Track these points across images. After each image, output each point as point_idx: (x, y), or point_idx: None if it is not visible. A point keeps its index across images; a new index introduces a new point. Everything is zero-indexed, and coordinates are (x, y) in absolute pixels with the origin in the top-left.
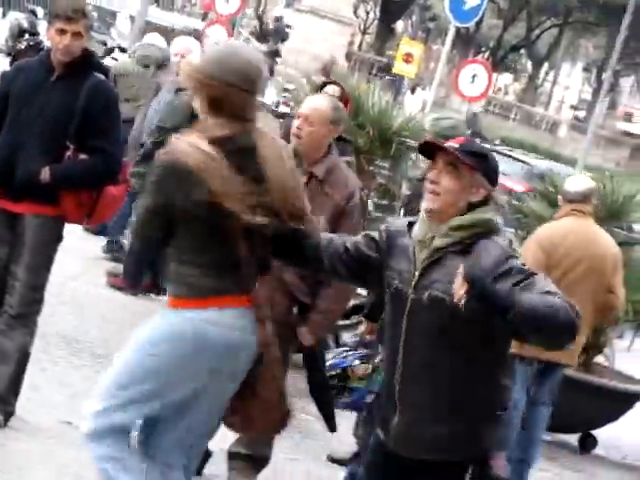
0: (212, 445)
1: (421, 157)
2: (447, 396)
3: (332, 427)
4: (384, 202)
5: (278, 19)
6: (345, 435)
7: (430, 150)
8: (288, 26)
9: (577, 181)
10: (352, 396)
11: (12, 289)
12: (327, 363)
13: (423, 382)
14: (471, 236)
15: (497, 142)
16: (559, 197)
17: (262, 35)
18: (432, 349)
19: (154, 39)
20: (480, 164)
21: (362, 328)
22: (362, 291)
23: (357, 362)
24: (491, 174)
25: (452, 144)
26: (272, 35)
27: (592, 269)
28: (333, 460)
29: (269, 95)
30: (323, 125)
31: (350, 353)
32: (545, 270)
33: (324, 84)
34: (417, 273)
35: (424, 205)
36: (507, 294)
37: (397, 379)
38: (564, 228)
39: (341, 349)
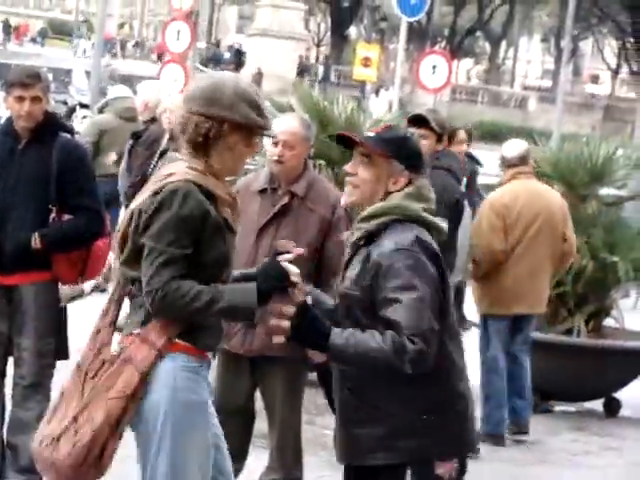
0: None
1: None
2: (365, 396)
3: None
4: None
5: (231, 47)
6: None
7: (347, 143)
8: (241, 52)
9: (512, 146)
10: None
11: (20, 361)
12: None
13: (345, 381)
14: (380, 225)
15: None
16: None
17: (217, 64)
18: None
19: (123, 91)
20: (397, 151)
21: None
22: None
23: None
24: (411, 160)
25: (368, 134)
26: (228, 63)
27: (546, 223)
28: None
29: None
30: (302, 145)
31: None
32: (503, 233)
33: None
34: (343, 270)
35: (343, 199)
36: (322, 336)
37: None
38: (514, 191)
39: None
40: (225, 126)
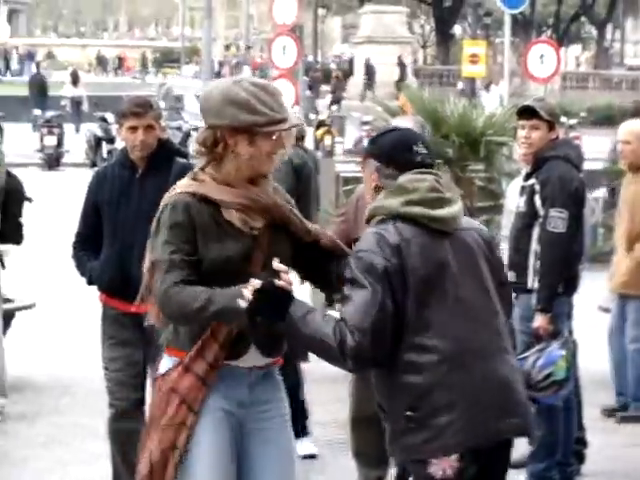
0: None
1: (516, 150)
2: (378, 397)
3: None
4: (489, 204)
5: (337, 57)
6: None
7: None
8: (350, 62)
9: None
10: (566, 388)
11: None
12: (537, 364)
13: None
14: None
15: (583, 114)
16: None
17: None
18: None
19: None
20: (370, 149)
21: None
22: None
23: (563, 352)
24: (383, 156)
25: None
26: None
27: None
28: (511, 466)
29: (349, 135)
30: None
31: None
32: None
33: None
34: None
35: None
36: (283, 305)
37: None
38: None
39: (534, 349)
40: (219, 132)
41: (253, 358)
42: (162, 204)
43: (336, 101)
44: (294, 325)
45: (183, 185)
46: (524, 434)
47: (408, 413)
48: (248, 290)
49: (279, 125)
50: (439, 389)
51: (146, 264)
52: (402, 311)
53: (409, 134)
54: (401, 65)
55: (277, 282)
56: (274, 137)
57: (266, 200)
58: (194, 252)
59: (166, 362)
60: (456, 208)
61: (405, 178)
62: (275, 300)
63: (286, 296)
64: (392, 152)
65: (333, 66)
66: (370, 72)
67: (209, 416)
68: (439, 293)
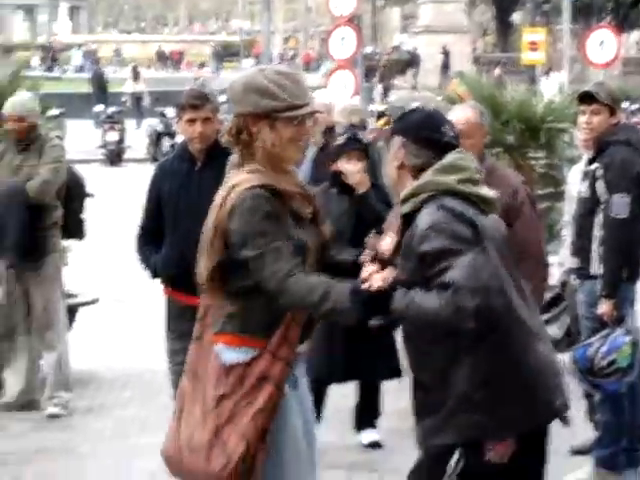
0: None
1: (577, 135)
2: (422, 373)
3: (565, 421)
4: (550, 190)
5: (397, 48)
6: (581, 425)
7: None
8: (409, 52)
9: None
10: (630, 374)
11: None
12: (601, 350)
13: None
14: (415, 205)
15: None
16: None
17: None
18: None
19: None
20: (396, 127)
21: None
22: (554, 282)
23: (627, 338)
24: (410, 134)
25: None
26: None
27: None
28: (576, 452)
29: None
30: (478, 134)
31: (612, 334)
32: None
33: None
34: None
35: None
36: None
37: None
38: None
39: (598, 335)
40: (242, 120)
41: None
42: (232, 206)
43: (386, 89)
44: (401, 315)
45: (248, 179)
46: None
47: (478, 391)
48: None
49: (299, 110)
50: (510, 367)
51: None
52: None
53: (437, 114)
54: (445, 54)
55: (378, 284)
56: (295, 123)
57: (309, 189)
58: (287, 240)
59: (233, 353)
60: (493, 191)
61: (454, 157)
62: (381, 302)
63: (388, 294)
64: (420, 130)
65: (394, 56)
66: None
67: (291, 399)
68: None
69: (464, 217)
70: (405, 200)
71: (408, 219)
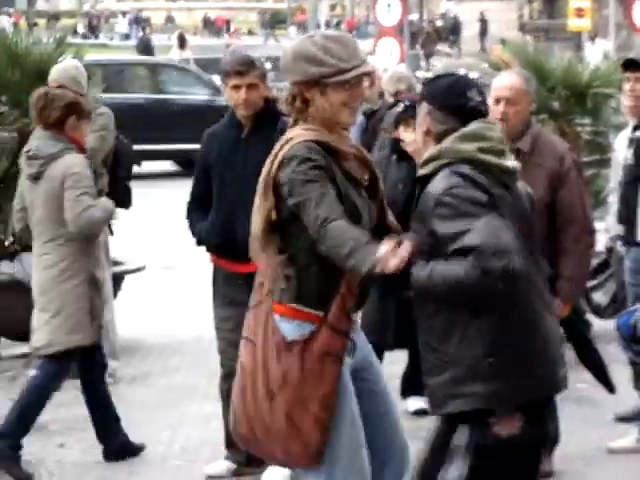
0: None
1: (622, 102)
2: (429, 345)
3: (611, 388)
4: (596, 157)
5: (443, 15)
6: (626, 392)
7: None
8: (456, 19)
9: None
10: None
11: None
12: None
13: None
14: (433, 169)
15: None
16: None
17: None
18: None
19: None
20: (423, 92)
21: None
22: (600, 248)
23: None
24: (435, 99)
25: None
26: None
27: None
28: (621, 419)
29: None
30: (524, 101)
31: None
32: None
33: None
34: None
35: None
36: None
37: None
38: None
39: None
40: (296, 88)
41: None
42: (291, 152)
43: (428, 56)
44: (424, 286)
45: (302, 134)
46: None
47: (490, 359)
48: (383, 262)
49: (347, 74)
50: (521, 335)
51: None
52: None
53: (464, 79)
54: (482, 21)
55: (395, 263)
56: (347, 87)
57: (353, 151)
58: (335, 189)
59: (291, 326)
60: (516, 162)
61: (477, 125)
62: (399, 280)
63: (405, 272)
64: (445, 96)
65: (439, 24)
66: (483, 28)
67: (347, 373)
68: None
69: (478, 183)
70: (425, 164)
71: (424, 183)
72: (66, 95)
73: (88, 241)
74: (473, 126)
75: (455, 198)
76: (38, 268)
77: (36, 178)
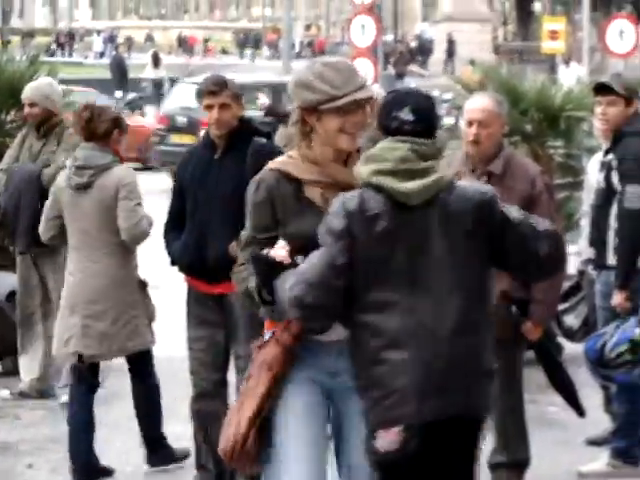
0: None
1: (595, 126)
2: None
3: (581, 412)
4: (568, 180)
5: (418, 36)
6: (597, 416)
7: None
8: (430, 40)
9: None
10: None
11: (239, 368)
12: (610, 342)
13: None
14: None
15: None
16: None
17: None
18: None
19: None
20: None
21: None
22: (572, 271)
23: (637, 330)
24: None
25: None
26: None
27: None
28: (592, 443)
29: None
30: (496, 123)
31: (623, 325)
32: None
33: None
34: None
35: None
36: None
37: None
38: None
39: (611, 325)
40: (299, 113)
41: (337, 332)
42: (251, 181)
43: (400, 76)
44: (277, 291)
45: (273, 162)
46: (468, 415)
47: (356, 382)
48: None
49: (339, 101)
50: (377, 363)
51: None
52: (353, 276)
53: (396, 98)
54: (450, 42)
55: (281, 254)
56: (341, 113)
57: (347, 178)
58: (274, 228)
59: (265, 335)
60: (429, 180)
61: (379, 146)
62: (275, 269)
63: (285, 265)
64: (379, 116)
65: (413, 45)
66: (451, 50)
67: (296, 385)
68: (385, 268)
69: (346, 211)
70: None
71: None
72: (111, 110)
73: (132, 250)
74: (378, 146)
75: (323, 225)
76: (85, 275)
77: (85, 188)
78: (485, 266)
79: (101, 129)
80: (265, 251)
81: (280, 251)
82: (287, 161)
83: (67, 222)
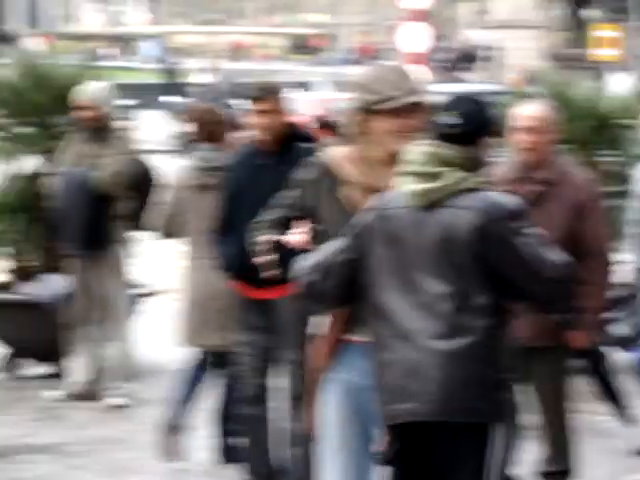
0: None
1: None
2: None
3: (628, 420)
4: (616, 188)
5: (469, 42)
6: None
7: None
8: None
9: None
10: None
11: (284, 373)
12: None
13: None
14: None
15: None
16: None
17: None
18: None
19: None
20: None
21: None
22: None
23: None
24: None
25: None
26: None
27: None
28: (637, 453)
29: None
30: (551, 131)
31: None
32: None
33: None
34: None
35: None
36: None
37: None
38: None
39: None
40: (356, 113)
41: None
42: (304, 162)
43: (451, 81)
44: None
45: (323, 154)
46: (435, 419)
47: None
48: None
49: (392, 102)
50: (380, 367)
51: None
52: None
53: (443, 103)
54: (500, 49)
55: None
56: (394, 115)
57: (381, 183)
58: (307, 210)
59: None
60: (434, 184)
61: (408, 149)
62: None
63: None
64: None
65: (465, 51)
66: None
67: (333, 385)
68: (385, 268)
69: (372, 207)
70: None
71: None
72: (227, 114)
73: None
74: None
75: None
76: (204, 270)
77: (207, 188)
78: (483, 277)
79: (220, 132)
80: (284, 236)
81: (297, 237)
82: (333, 157)
83: (187, 219)
